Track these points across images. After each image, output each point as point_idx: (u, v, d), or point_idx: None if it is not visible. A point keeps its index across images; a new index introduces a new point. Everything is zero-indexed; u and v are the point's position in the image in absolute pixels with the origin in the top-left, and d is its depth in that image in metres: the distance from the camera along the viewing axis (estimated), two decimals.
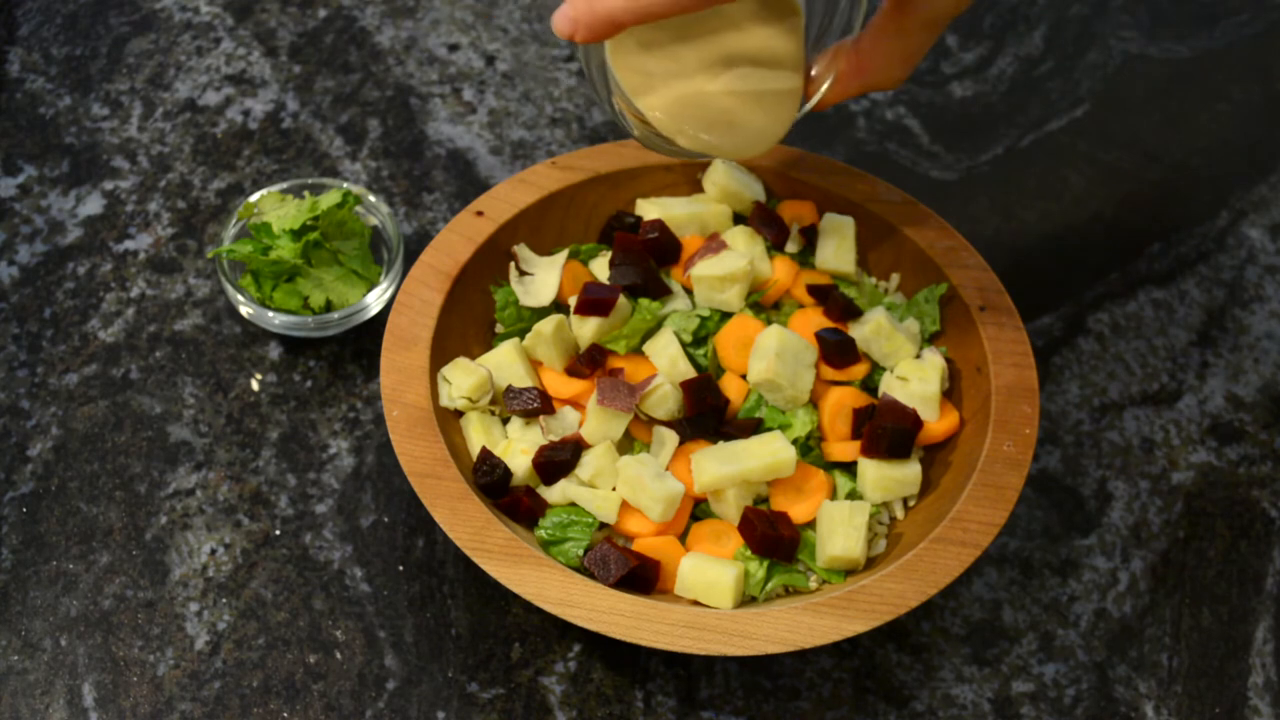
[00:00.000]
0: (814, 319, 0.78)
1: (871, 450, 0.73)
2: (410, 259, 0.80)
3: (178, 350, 0.83)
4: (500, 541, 0.68)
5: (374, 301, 0.83)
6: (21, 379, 0.82)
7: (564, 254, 0.79)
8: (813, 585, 0.71)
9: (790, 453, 0.72)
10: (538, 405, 0.74)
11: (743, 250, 0.78)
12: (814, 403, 0.76)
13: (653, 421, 0.74)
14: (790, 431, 0.74)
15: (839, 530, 0.70)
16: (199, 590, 0.75)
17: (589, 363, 0.75)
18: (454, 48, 0.99)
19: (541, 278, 0.79)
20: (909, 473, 0.73)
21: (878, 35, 0.67)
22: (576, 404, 0.76)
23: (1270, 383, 0.86)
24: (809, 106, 0.70)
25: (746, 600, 0.71)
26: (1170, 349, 0.87)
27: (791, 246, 0.81)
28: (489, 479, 0.72)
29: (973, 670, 0.74)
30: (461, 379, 0.74)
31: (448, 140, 0.93)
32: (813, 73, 0.69)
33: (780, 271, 0.79)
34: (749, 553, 0.71)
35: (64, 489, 0.78)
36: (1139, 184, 0.95)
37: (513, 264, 0.80)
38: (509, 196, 0.80)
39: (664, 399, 0.74)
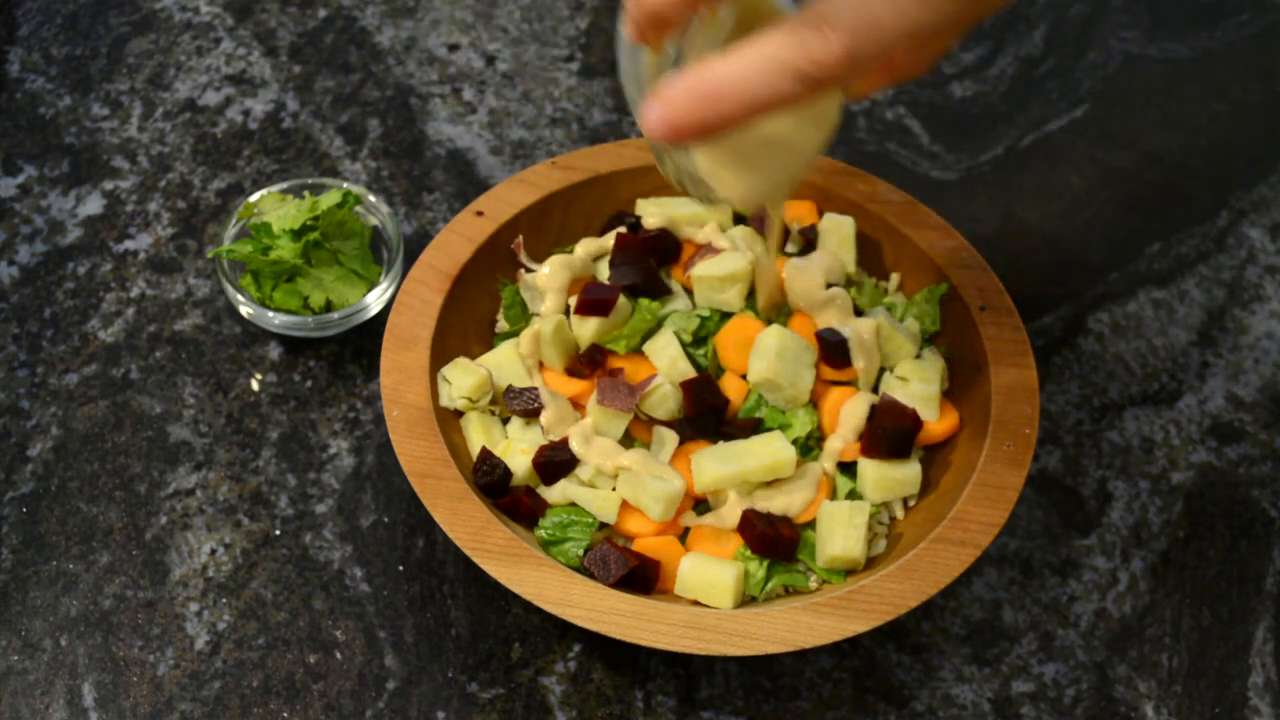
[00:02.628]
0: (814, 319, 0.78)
1: (871, 450, 0.73)
2: (410, 259, 0.80)
3: (178, 350, 0.83)
4: (500, 541, 0.68)
5: (374, 301, 0.83)
6: (21, 379, 0.82)
7: (571, 257, 0.79)
8: (813, 585, 0.71)
9: (790, 453, 0.72)
10: (538, 405, 0.74)
11: (742, 250, 0.78)
12: (814, 403, 0.76)
13: (653, 421, 0.74)
14: (790, 431, 0.74)
15: (839, 530, 0.70)
16: (199, 590, 0.75)
17: (589, 363, 0.76)
18: (454, 48, 0.99)
19: (548, 287, 0.78)
20: (909, 473, 0.73)
21: None
22: (577, 404, 0.76)
23: (1270, 383, 0.86)
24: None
25: (746, 600, 0.71)
26: (1170, 349, 0.87)
27: (791, 246, 0.81)
28: (489, 479, 0.72)
29: (973, 670, 0.74)
30: (461, 379, 0.74)
31: (448, 140, 0.93)
32: None
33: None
34: (749, 553, 0.71)
35: (64, 489, 0.78)
36: (1139, 184, 0.95)
37: (522, 269, 0.80)
38: (509, 196, 0.80)
39: (664, 399, 0.74)
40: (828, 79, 0.49)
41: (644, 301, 0.77)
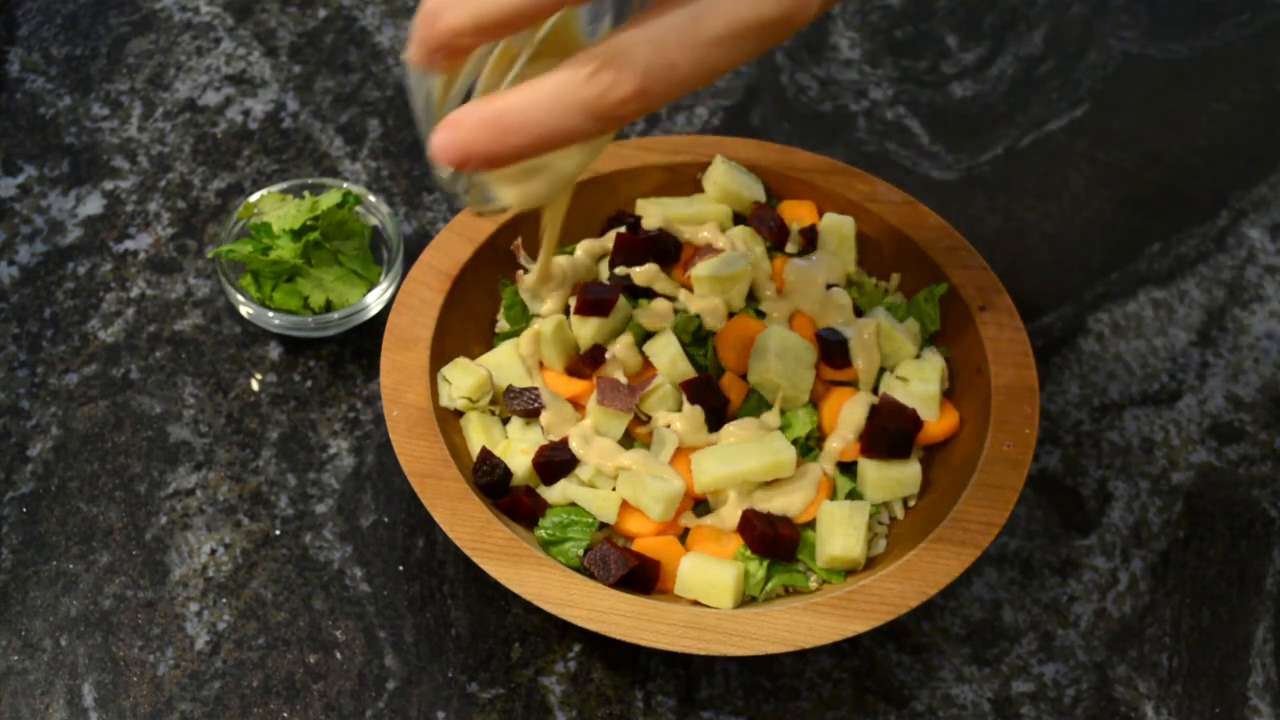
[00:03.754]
0: (814, 319, 0.78)
1: (871, 450, 0.73)
2: (410, 259, 0.80)
3: (178, 350, 0.83)
4: (500, 541, 0.68)
5: (374, 301, 0.83)
6: (21, 379, 0.82)
7: (572, 258, 0.79)
8: (813, 585, 0.71)
9: (790, 453, 0.72)
10: (538, 405, 0.74)
11: (742, 250, 0.78)
12: (814, 403, 0.76)
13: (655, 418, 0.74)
14: (790, 431, 0.74)
15: (839, 530, 0.70)
16: (199, 590, 0.75)
17: (589, 363, 0.75)
18: None
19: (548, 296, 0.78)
20: (909, 473, 0.73)
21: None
22: (577, 404, 0.76)
23: (1270, 383, 0.86)
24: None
25: (746, 600, 0.71)
26: (1170, 349, 0.87)
27: (791, 246, 0.81)
28: (489, 479, 0.72)
29: (973, 670, 0.74)
30: (461, 379, 0.74)
31: None
32: None
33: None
34: (749, 553, 0.71)
35: (64, 489, 0.78)
36: (1139, 184, 0.95)
37: (520, 272, 0.80)
38: None
39: (664, 399, 0.74)
40: (618, 118, 0.49)
41: (644, 301, 0.77)
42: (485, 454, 0.72)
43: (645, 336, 0.77)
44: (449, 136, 0.49)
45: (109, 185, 0.90)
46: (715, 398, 0.74)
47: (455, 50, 0.50)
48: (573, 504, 0.72)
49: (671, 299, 0.78)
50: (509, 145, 0.49)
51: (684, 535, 0.73)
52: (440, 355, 0.75)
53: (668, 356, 0.75)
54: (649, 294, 0.78)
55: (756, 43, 0.48)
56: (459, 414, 0.75)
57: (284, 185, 0.86)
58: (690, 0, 0.47)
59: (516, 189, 0.59)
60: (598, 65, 0.48)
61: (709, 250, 0.79)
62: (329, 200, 0.83)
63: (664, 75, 0.48)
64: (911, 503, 0.74)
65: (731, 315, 0.77)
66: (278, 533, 0.77)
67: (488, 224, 0.79)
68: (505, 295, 0.80)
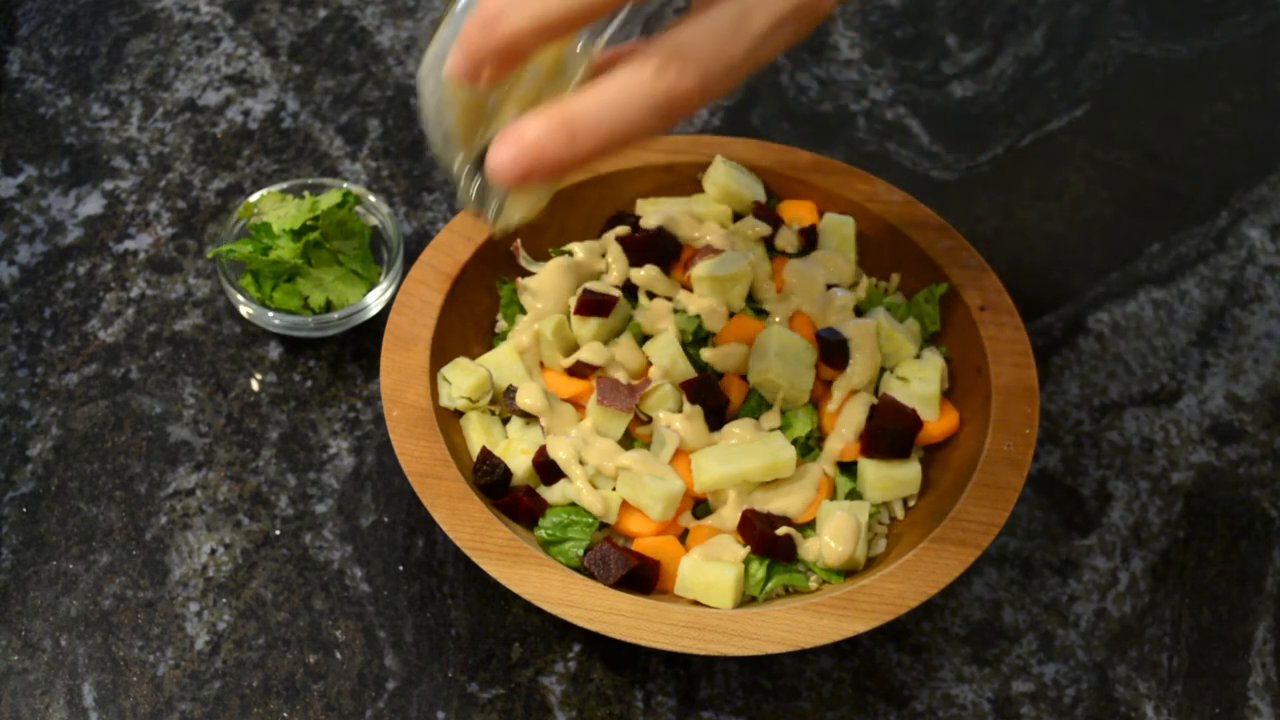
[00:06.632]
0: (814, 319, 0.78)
1: (871, 450, 0.73)
2: (410, 259, 0.80)
3: (178, 350, 0.83)
4: (500, 541, 0.68)
5: (374, 301, 0.83)
6: (21, 379, 0.82)
7: (569, 260, 0.79)
8: (813, 585, 0.71)
9: (790, 453, 0.72)
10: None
11: (742, 250, 0.78)
12: (814, 403, 0.76)
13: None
14: (790, 431, 0.74)
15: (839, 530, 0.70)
16: (199, 590, 0.75)
17: (580, 374, 0.76)
18: None
19: (546, 295, 0.78)
20: (909, 473, 0.73)
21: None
22: (577, 404, 0.76)
23: (1270, 383, 0.86)
24: None
25: (746, 600, 0.71)
26: (1170, 349, 0.87)
27: (791, 247, 0.81)
28: (489, 479, 0.72)
29: (973, 670, 0.74)
30: (461, 379, 0.74)
31: None
32: None
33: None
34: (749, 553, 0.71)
35: (64, 489, 0.78)
36: (1139, 184, 0.95)
37: (519, 277, 0.80)
38: None
39: (664, 399, 0.74)
40: (683, 113, 0.50)
41: (644, 301, 0.78)
42: (485, 454, 0.72)
43: (645, 337, 0.77)
44: (513, 150, 0.50)
45: (109, 185, 0.90)
46: (715, 398, 0.74)
47: (514, 56, 0.50)
48: (573, 504, 0.72)
49: (671, 299, 0.78)
50: (582, 149, 0.50)
51: (684, 535, 0.73)
52: (440, 355, 0.75)
53: (668, 356, 0.75)
54: (649, 294, 0.78)
55: (795, 29, 0.51)
56: (459, 414, 0.75)
57: (284, 185, 0.86)
58: None
59: (528, 201, 0.60)
60: (661, 62, 0.49)
61: (709, 250, 0.79)
62: (329, 200, 0.83)
63: (723, 68, 0.50)
64: (911, 503, 0.74)
65: (732, 315, 0.77)
66: (278, 533, 0.77)
67: (488, 225, 0.79)
68: (503, 294, 0.80)
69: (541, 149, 0.50)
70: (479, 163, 0.57)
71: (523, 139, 0.50)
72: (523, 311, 0.79)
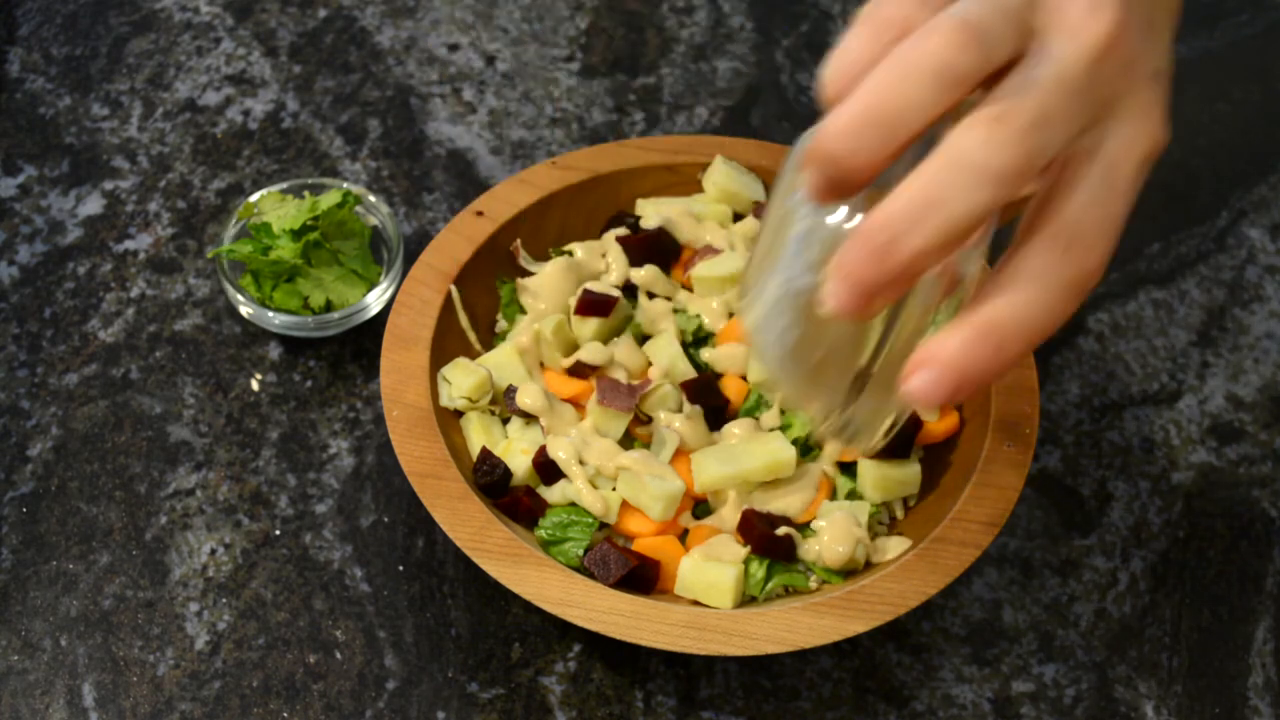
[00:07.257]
0: None
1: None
2: (410, 259, 0.80)
3: (178, 350, 0.83)
4: (500, 541, 0.68)
5: (374, 301, 0.83)
6: (21, 379, 0.82)
7: (568, 260, 0.79)
8: (813, 585, 0.71)
9: (790, 453, 0.72)
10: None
11: (742, 250, 0.78)
12: None
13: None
14: (790, 431, 0.74)
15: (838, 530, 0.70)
16: (199, 590, 0.75)
17: (579, 375, 0.76)
18: (454, 48, 0.99)
19: (547, 295, 0.78)
20: (909, 473, 0.73)
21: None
22: (577, 404, 0.76)
23: (1270, 383, 0.86)
24: None
25: (746, 600, 0.71)
26: (1170, 349, 0.87)
27: None
28: (489, 479, 0.72)
29: (973, 670, 0.74)
30: (461, 379, 0.74)
31: (448, 140, 0.93)
32: None
33: None
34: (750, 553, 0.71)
35: (64, 489, 0.78)
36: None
37: (519, 277, 0.80)
38: (509, 196, 0.80)
39: (664, 399, 0.74)
40: (1092, 288, 0.50)
41: (644, 301, 0.78)
42: (485, 454, 0.72)
43: (645, 337, 0.77)
44: (934, 372, 0.47)
45: (109, 185, 0.90)
46: (715, 398, 0.74)
47: (912, 280, 0.47)
48: (573, 504, 0.72)
49: (671, 299, 0.78)
50: (1010, 354, 0.48)
51: (684, 535, 0.73)
52: (440, 355, 0.75)
53: (668, 356, 0.75)
54: (649, 294, 0.78)
55: (1149, 170, 0.50)
56: (459, 414, 0.75)
57: (284, 185, 0.86)
58: (1090, 158, 0.48)
59: (890, 416, 0.57)
60: (1064, 245, 0.48)
61: (709, 250, 0.79)
62: (329, 200, 0.83)
63: (1115, 229, 0.49)
64: (911, 503, 0.74)
65: (731, 315, 0.77)
66: (278, 533, 0.77)
67: (488, 224, 0.79)
68: (503, 293, 0.80)
69: (968, 364, 0.47)
70: (852, 391, 0.55)
71: (943, 358, 0.47)
72: (523, 311, 0.79)
